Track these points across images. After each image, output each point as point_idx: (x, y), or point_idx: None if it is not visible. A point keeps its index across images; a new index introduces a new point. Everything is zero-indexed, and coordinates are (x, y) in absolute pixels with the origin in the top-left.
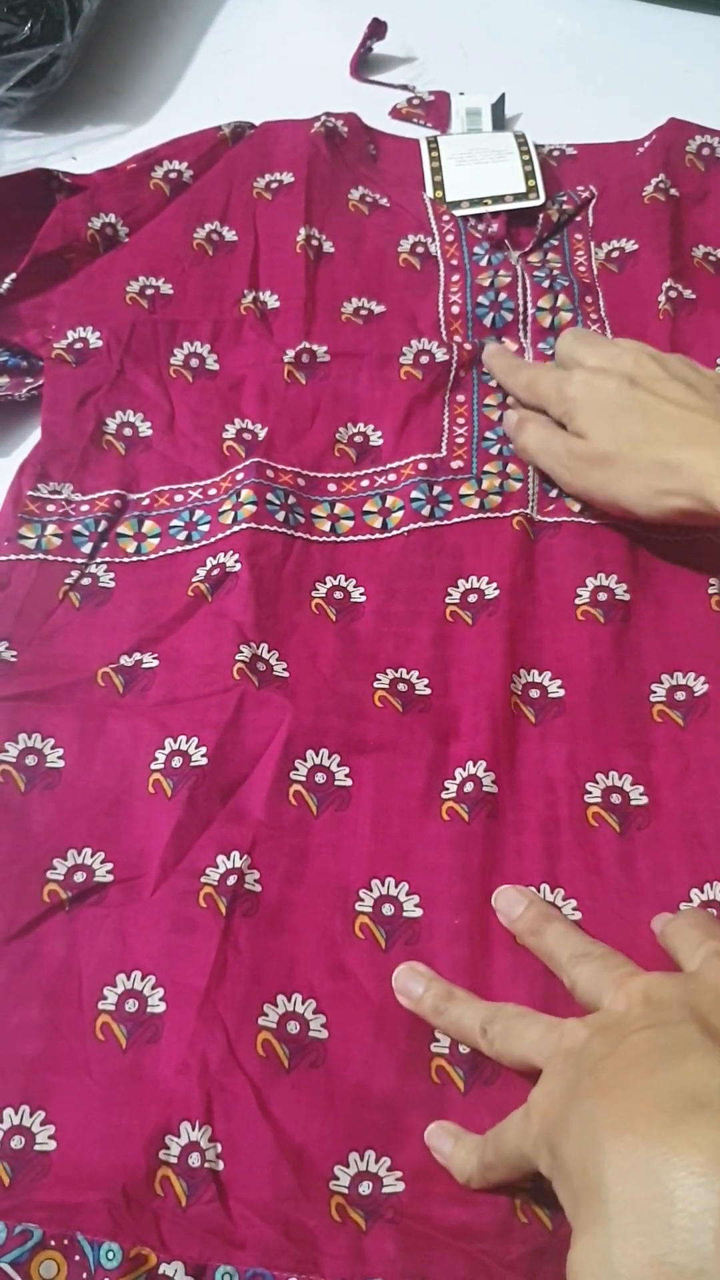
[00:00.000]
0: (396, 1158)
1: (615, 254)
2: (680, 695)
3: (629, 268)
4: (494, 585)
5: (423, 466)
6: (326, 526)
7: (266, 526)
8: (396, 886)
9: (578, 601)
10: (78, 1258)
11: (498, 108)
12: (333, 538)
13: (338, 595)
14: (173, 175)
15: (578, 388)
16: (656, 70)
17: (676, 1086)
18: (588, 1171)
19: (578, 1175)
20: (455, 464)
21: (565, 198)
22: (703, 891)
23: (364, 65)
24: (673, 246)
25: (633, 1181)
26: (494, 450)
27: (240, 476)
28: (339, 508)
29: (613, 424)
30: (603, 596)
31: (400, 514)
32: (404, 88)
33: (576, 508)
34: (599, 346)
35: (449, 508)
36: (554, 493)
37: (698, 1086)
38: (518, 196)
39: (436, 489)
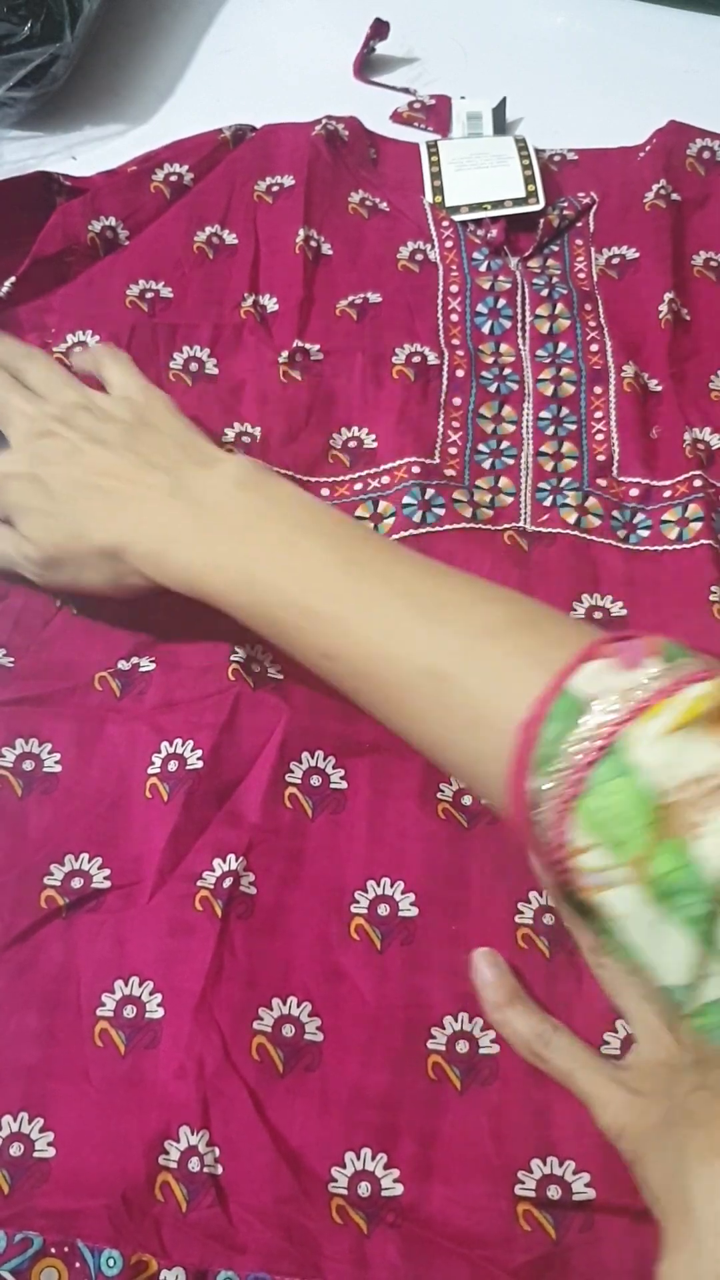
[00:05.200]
0: (393, 1154)
1: (616, 261)
2: None
3: (629, 275)
4: None
5: (415, 470)
6: None
7: None
8: (392, 886)
9: (572, 616)
10: (78, 1265)
11: (498, 112)
12: None
13: None
14: (173, 178)
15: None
16: (656, 70)
17: None
18: (675, 1194)
19: (664, 1196)
20: (448, 472)
21: (566, 203)
22: None
23: (365, 66)
24: (674, 257)
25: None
26: (486, 464)
27: None
28: None
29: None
30: (598, 615)
31: (391, 521)
32: (406, 90)
33: (572, 519)
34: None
35: (441, 513)
36: (548, 501)
37: None
38: (517, 201)
39: (429, 492)
